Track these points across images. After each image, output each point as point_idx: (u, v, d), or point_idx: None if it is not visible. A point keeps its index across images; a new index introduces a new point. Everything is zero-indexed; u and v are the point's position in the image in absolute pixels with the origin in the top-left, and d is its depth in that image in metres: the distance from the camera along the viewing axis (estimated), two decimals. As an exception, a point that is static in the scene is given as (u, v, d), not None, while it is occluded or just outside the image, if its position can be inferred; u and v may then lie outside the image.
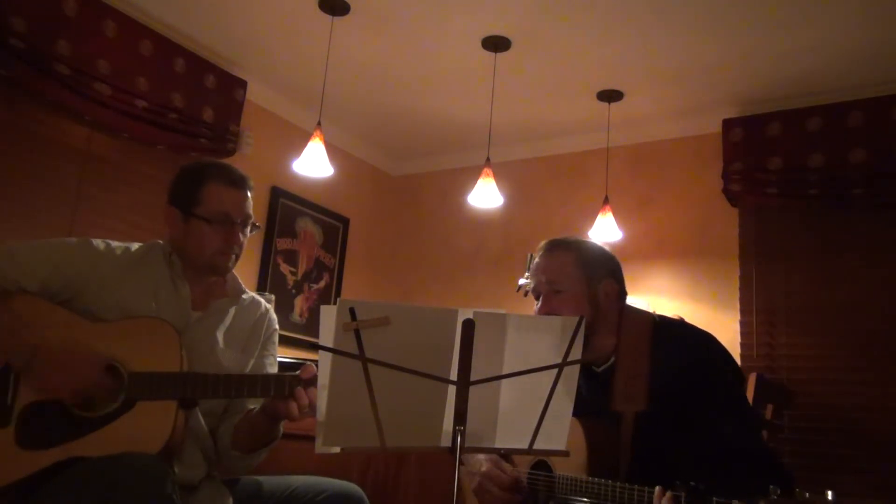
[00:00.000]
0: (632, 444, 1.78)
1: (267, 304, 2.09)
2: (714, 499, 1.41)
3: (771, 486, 1.28)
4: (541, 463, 1.88)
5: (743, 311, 3.81)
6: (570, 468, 1.77)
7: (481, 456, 1.90)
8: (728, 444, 1.71)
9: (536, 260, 1.97)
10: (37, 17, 3.06)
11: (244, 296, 2.02)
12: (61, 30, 3.14)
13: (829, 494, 1.24)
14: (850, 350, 3.54)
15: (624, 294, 1.97)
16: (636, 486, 1.59)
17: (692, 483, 1.44)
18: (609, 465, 1.76)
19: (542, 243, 1.99)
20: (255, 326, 2.01)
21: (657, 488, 1.53)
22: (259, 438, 1.87)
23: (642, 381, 1.81)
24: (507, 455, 1.98)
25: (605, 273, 1.94)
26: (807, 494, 1.25)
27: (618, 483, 1.63)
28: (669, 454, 1.73)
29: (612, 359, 1.91)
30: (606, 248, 2.03)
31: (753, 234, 3.87)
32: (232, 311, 1.97)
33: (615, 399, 1.83)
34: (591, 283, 1.90)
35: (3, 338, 1.72)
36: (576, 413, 1.75)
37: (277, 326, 2.10)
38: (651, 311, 2.02)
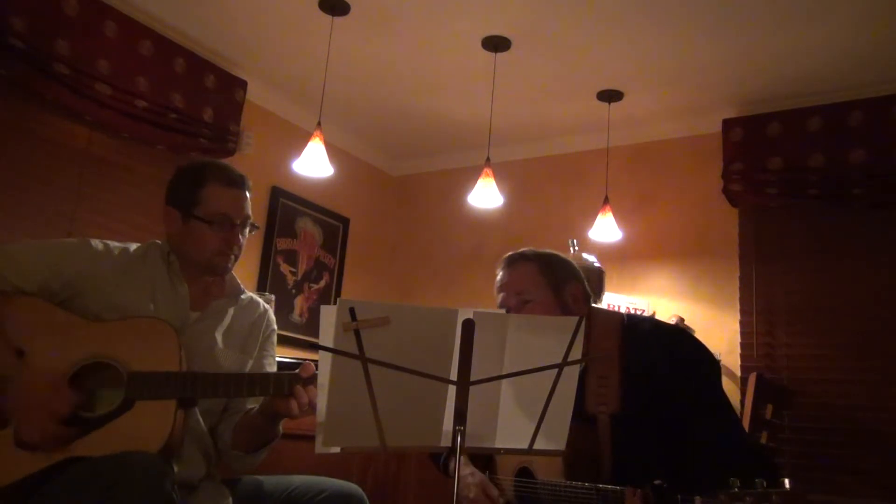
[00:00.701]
0: (611, 446, 1.78)
1: (266, 304, 2.09)
2: (679, 496, 1.42)
3: (731, 479, 1.29)
4: (524, 470, 1.88)
5: (743, 311, 3.81)
6: (552, 473, 1.77)
7: (469, 479, 1.90)
8: (706, 439, 1.72)
9: (499, 276, 1.98)
10: (37, 17, 3.05)
11: (242, 296, 2.02)
12: (61, 30, 3.14)
13: (787, 483, 1.26)
14: (850, 350, 3.54)
15: (589, 295, 1.98)
16: (609, 488, 1.59)
17: (656, 482, 1.45)
18: (588, 468, 1.76)
19: (501, 259, 2.00)
20: (254, 327, 2.01)
21: (627, 489, 1.54)
22: (259, 437, 1.88)
23: (615, 382, 1.82)
24: (491, 457, 1.98)
25: (568, 277, 1.95)
26: (765, 483, 1.26)
27: (592, 485, 1.63)
28: (650, 453, 1.73)
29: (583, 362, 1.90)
30: (561, 254, 2.04)
31: (753, 234, 3.87)
32: (231, 311, 1.97)
33: (588, 402, 1.83)
34: (557, 288, 1.92)
35: None
36: None
37: (276, 326, 2.10)
38: (617, 309, 2.02)
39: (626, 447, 1.77)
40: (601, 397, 1.81)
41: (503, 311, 1.94)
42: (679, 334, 1.93)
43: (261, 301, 2.08)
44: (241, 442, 1.88)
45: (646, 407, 1.77)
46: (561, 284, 1.93)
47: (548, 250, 2.02)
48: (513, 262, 1.97)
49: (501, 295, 1.95)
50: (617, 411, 1.79)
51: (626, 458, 1.76)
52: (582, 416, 1.81)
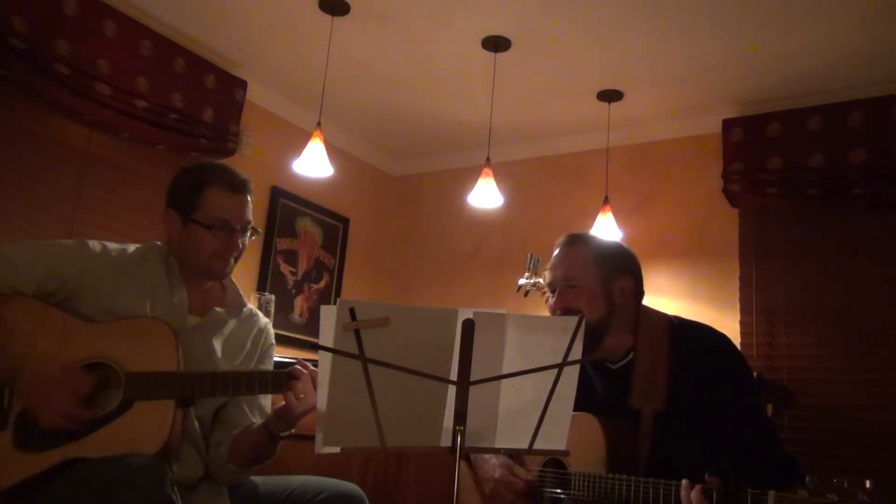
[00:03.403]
0: (651, 442, 1.78)
1: (266, 318, 2.08)
2: (750, 490, 1.40)
3: (808, 478, 1.28)
4: (554, 459, 1.87)
5: (743, 311, 3.80)
6: (588, 465, 1.76)
7: (494, 461, 1.89)
8: (746, 445, 1.72)
9: (555, 252, 1.97)
10: (37, 17, 3.05)
11: (244, 309, 2.01)
12: (61, 30, 3.14)
13: (867, 483, 1.24)
14: (850, 350, 3.54)
15: (641, 293, 1.98)
16: (662, 482, 1.58)
17: (723, 474, 1.43)
18: (627, 461, 1.76)
19: (562, 237, 1.99)
20: (253, 341, 2.00)
21: (684, 482, 1.52)
22: (256, 455, 1.86)
23: (662, 380, 1.81)
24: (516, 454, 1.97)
25: (621, 270, 1.94)
26: (845, 483, 1.24)
27: (641, 479, 1.62)
28: (689, 452, 1.72)
29: (630, 356, 1.90)
30: (626, 246, 2.03)
31: (753, 234, 3.87)
32: (231, 323, 1.96)
33: (634, 396, 1.83)
34: (606, 279, 1.91)
35: None
36: (591, 409, 1.75)
37: (274, 340, 2.09)
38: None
39: (666, 445, 1.77)
40: (647, 393, 1.81)
41: (549, 290, 1.95)
42: (724, 340, 1.92)
43: (261, 315, 2.06)
44: (238, 456, 1.86)
45: (689, 407, 1.77)
46: (612, 276, 1.91)
47: (612, 239, 2.02)
48: (570, 243, 1.96)
49: (550, 274, 1.95)
50: (661, 409, 1.79)
51: (664, 455, 1.76)
52: (624, 410, 1.82)
